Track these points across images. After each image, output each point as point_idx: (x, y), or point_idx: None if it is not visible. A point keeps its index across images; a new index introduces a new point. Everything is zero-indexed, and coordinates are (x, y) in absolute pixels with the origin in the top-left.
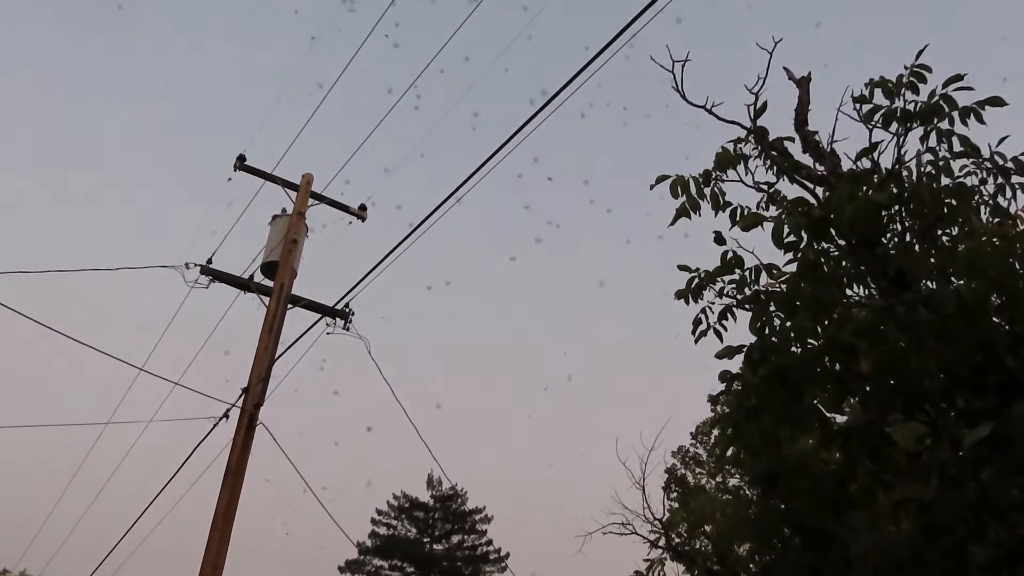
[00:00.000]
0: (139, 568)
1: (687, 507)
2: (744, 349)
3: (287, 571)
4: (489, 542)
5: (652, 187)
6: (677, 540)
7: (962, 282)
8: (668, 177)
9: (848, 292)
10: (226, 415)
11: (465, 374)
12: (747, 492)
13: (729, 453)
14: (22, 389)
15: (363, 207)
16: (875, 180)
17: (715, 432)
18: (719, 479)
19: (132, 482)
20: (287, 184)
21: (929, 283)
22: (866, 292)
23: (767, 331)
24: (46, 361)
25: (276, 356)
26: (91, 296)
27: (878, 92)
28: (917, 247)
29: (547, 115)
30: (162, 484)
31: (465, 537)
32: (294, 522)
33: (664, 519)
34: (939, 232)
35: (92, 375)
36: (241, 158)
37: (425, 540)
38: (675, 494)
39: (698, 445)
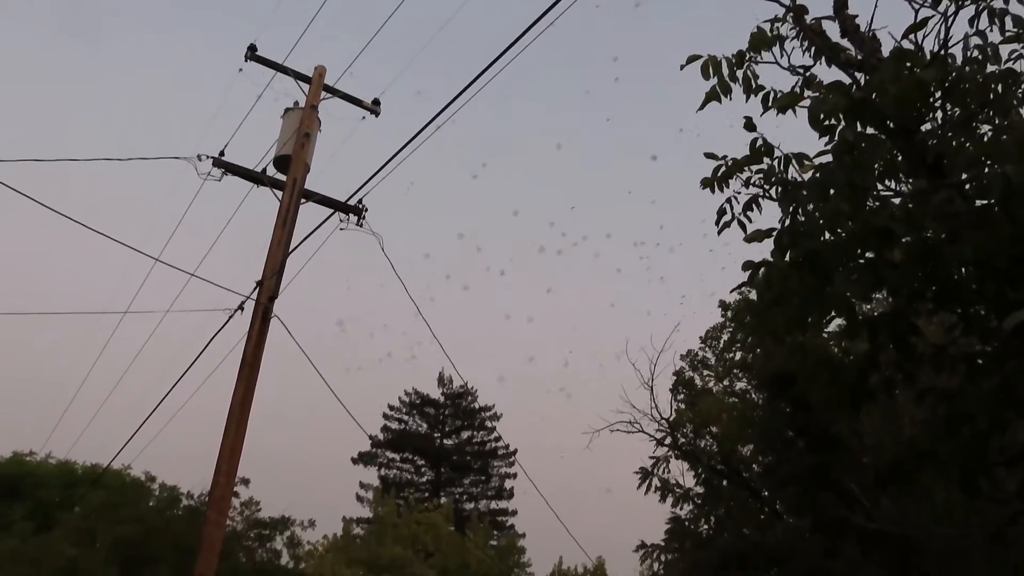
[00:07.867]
0: (163, 449)
1: (693, 408)
2: (774, 233)
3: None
4: (498, 438)
5: (683, 67)
6: (683, 439)
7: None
8: (700, 57)
9: (881, 186)
10: (241, 307)
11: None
12: (753, 396)
13: (739, 356)
14: (39, 277)
15: (376, 101)
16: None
17: (725, 335)
18: (726, 382)
19: (154, 369)
20: (299, 76)
21: (966, 174)
22: (898, 187)
23: (797, 218)
24: (60, 251)
25: (290, 250)
26: (102, 188)
27: None
28: (957, 138)
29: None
30: (181, 372)
31: (474, 433)
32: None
33: (671, 419)
34: (979, 123)
35: (106, 267)
36: (252, 48)
37: (435, 435)
38: (682, 396)
39: (707, 349)
